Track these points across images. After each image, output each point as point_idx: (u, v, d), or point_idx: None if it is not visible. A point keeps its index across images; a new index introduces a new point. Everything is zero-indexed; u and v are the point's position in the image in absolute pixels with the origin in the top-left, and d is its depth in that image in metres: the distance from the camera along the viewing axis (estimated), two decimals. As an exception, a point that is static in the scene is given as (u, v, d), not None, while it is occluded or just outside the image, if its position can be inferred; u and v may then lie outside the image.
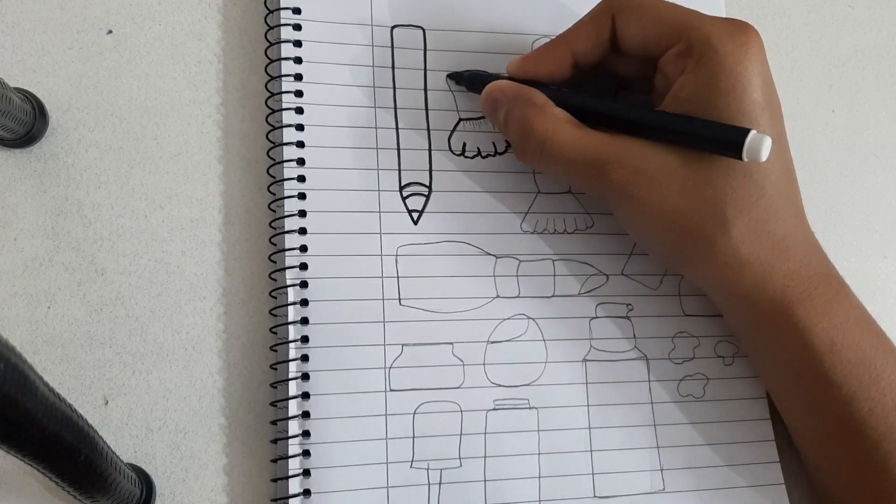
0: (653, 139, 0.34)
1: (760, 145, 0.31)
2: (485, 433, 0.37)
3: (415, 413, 0.36)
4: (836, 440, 0.35)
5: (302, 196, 0.37)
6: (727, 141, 0.32)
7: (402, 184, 0.38)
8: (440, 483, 0.36)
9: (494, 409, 0.37)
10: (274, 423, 0.36)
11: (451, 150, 0.39)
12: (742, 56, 0.33)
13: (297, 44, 0.38)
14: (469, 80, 0.39)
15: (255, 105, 0.39)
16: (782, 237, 0.34)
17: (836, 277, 0.36)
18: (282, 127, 0.38)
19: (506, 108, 0.37)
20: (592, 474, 0.37)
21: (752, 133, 0.32)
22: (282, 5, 0.38)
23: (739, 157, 0.32)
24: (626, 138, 0.35)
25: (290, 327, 0.36)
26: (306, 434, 0.35)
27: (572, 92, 0.37)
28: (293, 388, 0.35)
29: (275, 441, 0.36)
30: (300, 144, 0.37)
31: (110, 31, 0.39)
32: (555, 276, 0.39)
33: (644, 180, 0.34)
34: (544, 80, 0.37)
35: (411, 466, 0.36)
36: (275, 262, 0.37)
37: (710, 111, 0.33)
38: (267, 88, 0.38)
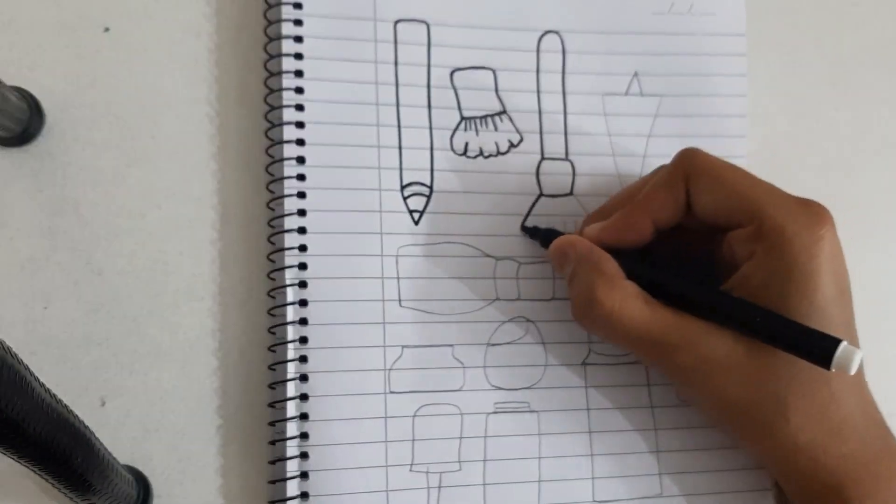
0: (728, 326, 0.33)
1: (851, 359, 0.30)
2: (485, 436, 0.37)
3: (414, 416, 0.36)
4: None
5: (301, 195, 0.37)
6: (817, 350, 0.31)
7: (404, 183, 0.38)
8: (439, 486, 0.36)
9: (494, 413, 0.37)
10: (272, 424, 0.35)
11: (452, 150, 0.39)
12: (816, 251, 0.32)
13: (298, 39, 0.38)
14: (544, 237, 0.38)
15: (252, 103, 0.39)
16: (840, 420, 0.33)
17: (892, 456, 0.35)
18: (282, 124, 0.37)
19: (573, 266, 0.35)
20: (592, 478, 0.37)
21: (844, 345, 0.30)
22: (283, 0, 0.38)
23: (827, 368, 0.30)
24: (694, 321, 0.33)
25: (289, 327, 0.36)
26: (304, 436, 0.35)
27: (647, 265, 0.35)
28: (291, 389, 0.35)
29: (273, 443, 0.35)
30: (300, 142, 0.37)
31: (107, 29, 0.38)
32: (554, 278, 0.39)
33: (709, 369, 0.33)
34: (624, 249, 0.36)
35: (411, 470, 0.36)
36: (273, 262, 0.37)
37: (780, 304, 0.32)
38: (266, 85, 0.38)
